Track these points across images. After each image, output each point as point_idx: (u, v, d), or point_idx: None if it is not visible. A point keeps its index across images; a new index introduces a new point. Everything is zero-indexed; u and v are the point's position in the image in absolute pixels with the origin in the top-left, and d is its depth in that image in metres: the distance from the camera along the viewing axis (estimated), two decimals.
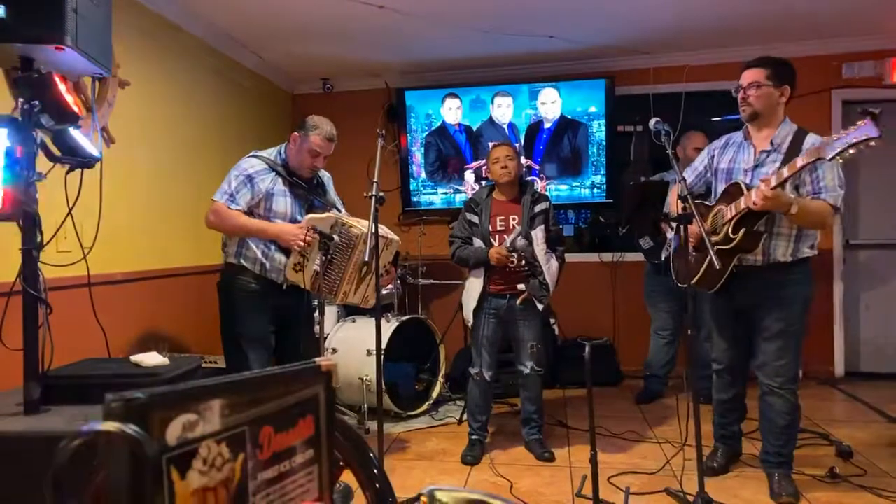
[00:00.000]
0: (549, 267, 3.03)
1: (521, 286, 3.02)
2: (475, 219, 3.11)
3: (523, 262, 3.00)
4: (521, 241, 2.93)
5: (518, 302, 3.02)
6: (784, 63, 2.51)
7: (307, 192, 2.74)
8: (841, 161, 2.14)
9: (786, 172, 2.31)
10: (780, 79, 2.49)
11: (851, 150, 2.05)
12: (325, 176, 2.94)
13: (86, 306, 2.37)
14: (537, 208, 3.08)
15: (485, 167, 3.22)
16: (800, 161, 2.28)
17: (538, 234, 3.03)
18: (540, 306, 3.01)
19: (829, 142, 2.15)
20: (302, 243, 2.50)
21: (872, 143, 1.99)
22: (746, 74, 2.53)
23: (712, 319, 2.77)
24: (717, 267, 2.11)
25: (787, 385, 2.51)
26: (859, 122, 2.01)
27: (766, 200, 2.30)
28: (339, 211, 2.83)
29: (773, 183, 2.32)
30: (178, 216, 3.70)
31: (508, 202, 3.13)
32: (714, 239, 2.49)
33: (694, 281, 2.59)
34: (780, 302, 2.48)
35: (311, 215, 2.62)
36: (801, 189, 2.44)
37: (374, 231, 2.36)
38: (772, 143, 2.51)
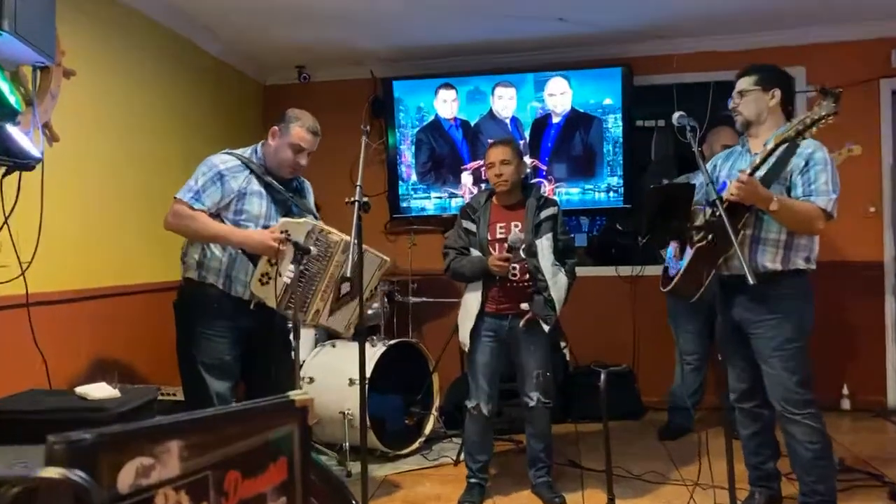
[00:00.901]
0: (557, 282, 3.03)
1: (524, 305, 3.03)
2: (472, 227, 3.11)
3: (527, 275, 3.01)
4: (514, 235, 2.93)
5: (521, 323, 3.02)
6: (770, 68, 2.75)
7: (286, 194, 2.74)
8: (836, 160, 2.30)
9: (758, 159, 2.48)
10: (768, 82, 2.68)
11: (813, 129, 2.35)
12: (306, 183, 2.95)
13: (24, 330, 2.36)
14: (543, 214, 3.08)
15: (484, 168, 3.23)
16: (771, 143, 2.46)
17: (544, 243, 3.04)
18: (546, 327, 3.01)
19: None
20: (274, 244, 2.51)
21: (831, 120, 2.33)
22: (736, 85, 2.76)
23: (718, 342, 2.80)
24: (748, 270, 2.15)
25: (800, 408, 2.55)
26: (823, 103, 2.34)
27: (741, 188, 2.43)
28: (315, 218, 2.83)
29: (748, 170, 2.46)
30: (135, 224, 3.69)
31: (510, 208, 3.14)
32: (696, 238, 2.60)
33: (671, 286, 2.70)
34: (772, 317, 2.56)
35: (285, 219, 2.63)
36: (792, 192, 2.55)
37: (356, 241, 2.36)
38: (765, 146, 2.62)
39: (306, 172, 2.86)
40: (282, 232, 2.53)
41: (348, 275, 2.26)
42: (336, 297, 2.68)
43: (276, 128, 2.70)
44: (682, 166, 4.61)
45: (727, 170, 2.78)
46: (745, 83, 2.72)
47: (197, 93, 4.48)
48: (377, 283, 2.84)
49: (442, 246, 3.23)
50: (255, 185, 2.67)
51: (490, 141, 3.23)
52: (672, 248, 2.86)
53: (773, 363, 2.56)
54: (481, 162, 4.68)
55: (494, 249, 3.04)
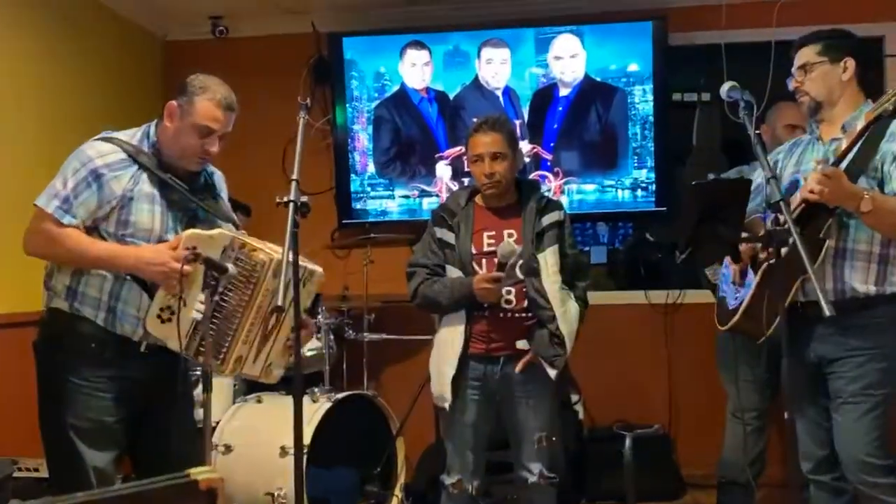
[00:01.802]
0: (566, 311, 3.03)
1: (521, 343, 3.02)
2: (449, 237, 3.11)
3: (525, 301, 3.01)
4: (506, 246, 2.93)
5: (518, 368, 3.02)
6: (839, 33, 2.78)
7: (189, 196, 2.71)
8: None
9: (845, 144, 2.51)
10: (837, 51, 2.73)
11: None
12: (217, 175, 2.92)
13: None
14: (546, 220, 3.09)
15: (467, 159, 3.23)
16: (861, 122, 2.50)
17: (549, 259, 3.04)
18: (552, 373, 3.00)
19: None
20: (176, 266, 2.47)
21: None
22: (796, 59, 2.79)
23: (786, 392, 2.81)
24: (827, 306, 2.16)
25: (875, 475, 2.57)
26: None
27: (824, 183, 2.44)
28: (234, 228, 2.80)
29: (831, 159, 2.51)
30: None
31: (501, 211, 3.14)
32: (761, 257, 2.62)
33: (732, 323, 2.74)
34: (861, 353, 2.59)
35: (191, 231, 2.59)
36: (885, 187, 2.58)
37: (290, 257, 2.33)
38: (843, 129, 2.67)
39: (218, 161, 2.83)
40: (187, 249, 2.49)
41: (280, 303, 2.23)
42: (264, 335, 2.65)
43: (174, 103, 2.66)
44: (733, 155, 4.64)
45: (793, 165, 2.81)
46: (807, 55, 2.77)
47: (70, 52, 4.42)
48: (307, 302, 2.82)
49: (406, 263, 3.22)
50: (146, 186, 2.63)
51: (475, 122, 3.21)
52: (730, 270, 2.86)
53: (848, 412, 2.58)
54: (464, 149, 4.67)
55: (481, 267, 3.03)
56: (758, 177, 2.91)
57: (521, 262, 2.99)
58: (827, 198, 2.49)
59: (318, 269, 2.79)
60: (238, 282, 2.57)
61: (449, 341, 3.05)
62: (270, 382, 2.78)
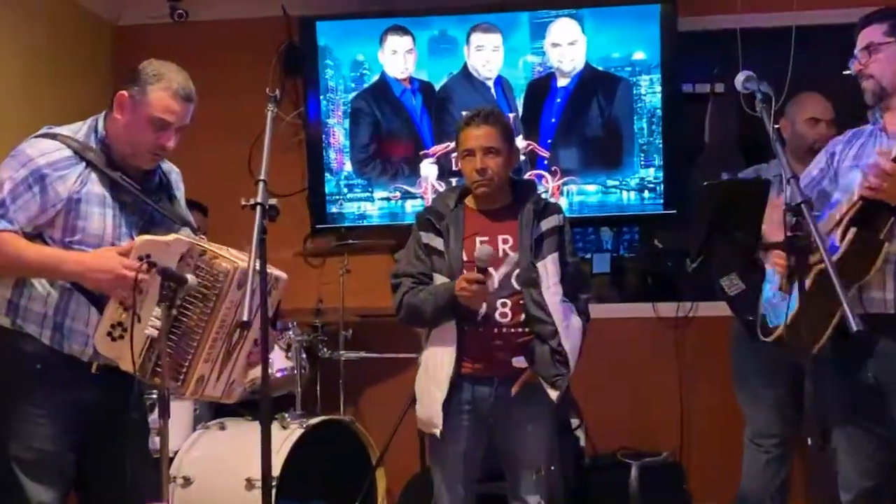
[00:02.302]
0: (569, 326, 3.04)
1: (517, 361, 3.02)
2: (437, 242, 3.11)
3: (522, 315, 3.01)
4: (481, 250, 2.93)
5: (514, 389, 3.02)
6: None
7: (143, 197, 2.70)
8: None
9: None
10: None
11: None
12: (173, 173, 2.91)
13: None
14: (545, 225, 3.10)
15: (456, 156, 3.23)
16: None
17: (549, 267, 3.05)
18: (554, 394, 3.01)
19: None
20: (128, 275, 2.46)
21: None
22: (859, 39, 2.77)
23: (831, 413, 2.81)
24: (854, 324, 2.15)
25: None
26: None
27: (884, 179, 2.45)
28: (193, 232, 2.79)
29: (893, 152, 2.48)
30: None
31: (494, 214, 3.14)
32: (812, 259, 2.60)
33: (777, 333, 2.70)
34: None
35: (144, 237, 2.58)
36: None
37: (256, 265, 2.33)
38: None
39: (176, 159, 2.83)
40: (141, 257, 2.49)
41: (245, 318, 2.22)
42: (228, 351, 2.64)
43: (124, 93, 2.65)
44: (750, 153, 4.65)
45: (852, 158, 2.80)
46: (872, 34, 2.75)
47: (9, 38, 4.40)
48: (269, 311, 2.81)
49: (390, 274, 3.22)
50: (96, 187, 2.62)
51: (466, 114, 3.22)
52: (775, 277, 2.84)
53: None
54: (451, 145, 4.69)
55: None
56: (775, 176, 2.92)
57: (517, 271, 2.99)
58: (888, 195, 2.48)
59: (283, 274, 2.79)
60: (198, 293, 2.56)
61: (438, 361, 3.05)
62: (230, 402, 2.77)
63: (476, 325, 3.01)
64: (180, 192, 2.92)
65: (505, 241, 3.08)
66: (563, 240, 3.12)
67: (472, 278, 2.90)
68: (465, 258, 3.06)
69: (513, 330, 3.03)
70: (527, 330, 3.03)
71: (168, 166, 2.88)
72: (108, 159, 2.66)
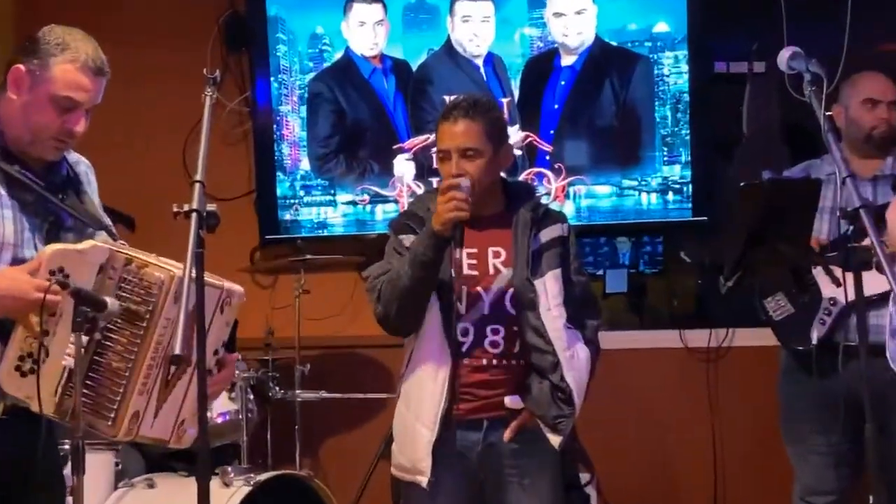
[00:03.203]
0: (573, 357, 3.04)
1: (510, 400, 3.02)
2: None
3: (517, 343, 3.01)
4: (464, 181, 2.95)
5: (507, 436, 3.02)
6: None
7: (47, 195, 2.69)
8: None
9: None
10: None
11: None
12: (81, 164, 2.90)
13: None
14: (545, 235, 3.11)
15: (434, 153, 3.23)
16: None
17: (549, 287, 3.05)
18: (556, 440, 3.01)
19: None
20: (37, 297, 2.44)
21: None
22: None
23: (873, 469, 2.82)
24: None
25: None
26: None
27: None
28: (111, 238, 2.78)
29: None
30: None
31: (483, 223, 3.13)
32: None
33: None
34: None
35: (54, 247, 2.57)
36: None
37: (192, 275, 2.32)
38: None
39: (89, 154, 2.82)
40: (53, 271, 2.48)
41: (178, 352, 2.21)
42: (165, 381, 2.63)
43: (21, 67, 2.64)
44: (798, 146, 4.67)
45: None
46: None
47: None
48: (225, 335, 2.80)
49: (365, 278, 3.20)
50: None
51: (447, 101, 3.23)
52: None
53: None
54: (431, 138, 4.69)
55: (460, 294, 3.03)
56: (827, 175, 2.93)
57: (510, 291, 2.99)
58: None
59: (238, 287, 2.78)
60: (126, 312, 2.55)
61: (426, 393, 3.04)
62: (182, 447, 2.75)
63: (464, 354, 3.01)
64: (92, 187, 2.90)
65: (496, 255, 3.08)
66: (568, 253, 3.13)
67: (453, 184, 2.94)
68: (452, 272, 3.04)
69: (505, 362, 3.04)
70: (522, 362, 3.03)
71: (75, 157, 2.86)
72: (3, 150, 2.65)
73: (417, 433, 3.04)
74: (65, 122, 2.64)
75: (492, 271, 3.08)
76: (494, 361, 3.03)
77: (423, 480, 3.00)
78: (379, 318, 3.10)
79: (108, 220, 2.87)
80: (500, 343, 3.03)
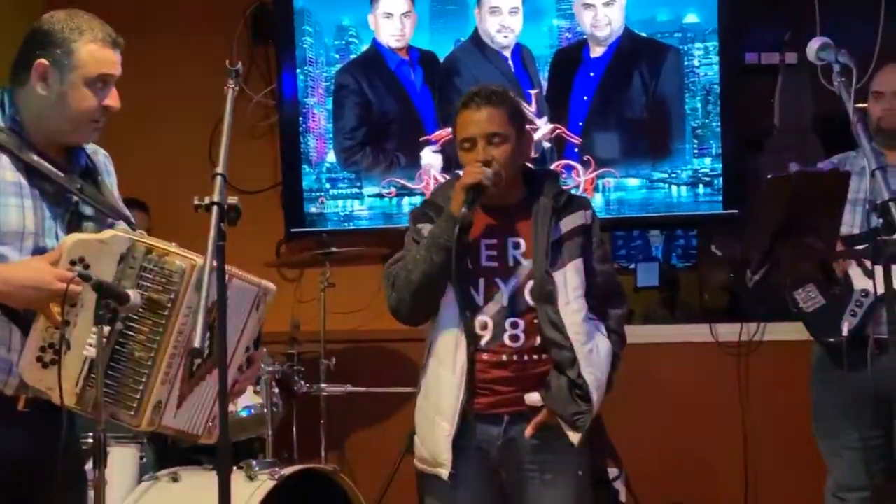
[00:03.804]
0: (592, 351, 3.04)
1: (531, 397, 3.01)
2: None
3: (537, 338, 3.01)
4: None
5: (528, 431, 3.01)
6: None
7: (67, 186, 2.69)
8: None
9: None
10: None
11: None
12: (100, 154, 2.90)
13: None
14: (566, 224, 3.10)
15: (457, 143, 3.22)
16: None
17: (569, 279, 3.04)
18: (574, 437, 3.01)
19: None
20: (59, 287, 2.45)
21: None
22: None
23: None
24: None
25: None
26: None
27: None
28: (130, 227, 2.78)
29: None
30: None
31: (504, 212, 3.14)
32: None
33: None
34: None
35: (74, 237, 2.58)
36: None
37: (212, 265, 2.32)
38: None
39: (120, 148, 2.82)
40: (73, 261, 2.50)
41: (197, 345, 2.22)
42: (189, 371, 2.64)
43: (44, 61, 2.66)
44: (831, 138, 4.64)
45: None
46: None
47: None
48: (256, 334, 2.81)
49: (384, 271, 3.18)
50: (8, 173, 2.62)
51: (465, 94, 3.21)
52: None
53: None
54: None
55: (478, 287, 3.04)
56: (859, 168, 2.92)
57: (530, 283, 2.99)
58: None
59: (271, 285, 2.81)
60: (148, 301, 2.57)
61: (444, 384, 3.03)
62: (212, 442, 2.75)
63: (483, 348, 3.02)
64: (112, 177, 2.91)
65: (516, 246, 3.07)
66: (591, 242, 3.11)
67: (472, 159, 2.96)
68: (469, 265, 3.05)
69: (525, 357, 3.03)
70: (543, 357, 3.04)
71: (93, 147, 2.87)
72: (21, 140, 2.66)
73: (437, 426, 3.04)
74: (102, 100, 2.66)
75: (511, 263, 3.07)
76: (515, 357, 3.02)
77: (444, 473, 3.01)
78: (392, 305, 3.10)
79: (126, 211, 2.88)
80: (520, 337, 3.02)
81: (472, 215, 2.94)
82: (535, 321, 3.01)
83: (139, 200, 3.30)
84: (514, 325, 3.02)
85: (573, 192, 3.30)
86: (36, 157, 2.66)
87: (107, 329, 2.46)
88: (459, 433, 3.01)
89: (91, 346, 2.44)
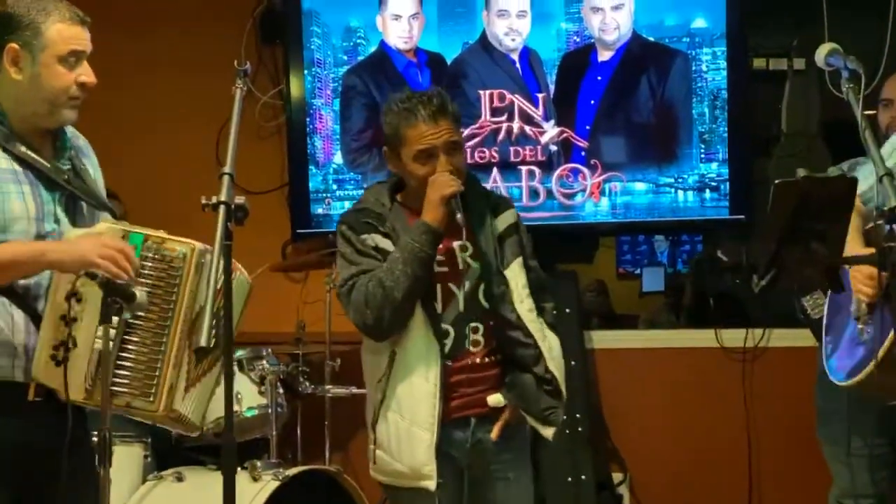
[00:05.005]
0: (551, 346, 3.06)
1: (493, 400, 3.01)
2: (387, 244, 3.04)
3: (494, 341, 3.02)
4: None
5: (494, 433, 3.02)
6: None
7: (54, 176, 2.69)
8: None
9: None
10: None
11: None
12: (80, 139, 2.91)
13: None
14: (501, 223, 3.11)
15: (400, 151, 3.17)
16: None
17: (518, 276, 3.05)
18: (548, 432, 3.03)
19: None
20: (125, 272, 2.48)
21: None
22: None
23: None
24: None
25: None
26: None
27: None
28: (113, 217, 2.80)
29: None
30: None
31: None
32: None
33: (857, 378, 2.71)
34: None
35: (75, 232, 2.59)
36: None
37: (218, 263, 2.33)
38: None
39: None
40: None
41: (203, 343, 2.23)
42: (194, 355, 2.66)
43: (14, 45, 2.66)
44: (838, 144, 4.64)
45: None
46: None
47: None
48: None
49: (338, 287, 3.13)
50: (3, 161, 2.63)
51: (402, 103, 3.04)
52: (852, 304, 2.83)
53: None
54: (464, 132, 4.67)
55: (436, 294, 3.01)
56: (867, 174, 2.91)
57: (482, 285, 3.01)
58: None
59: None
60: (155, 287, 2.59)
61: (419, 394, 3.00)
62: (204, 431, 2.76)
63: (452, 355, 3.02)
64: (92, 162, 2.90)
65: (463, 249, 3.04)
66: (522, 240, 3.11)
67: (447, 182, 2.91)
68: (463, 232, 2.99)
69: (487, 360, 3.04)
70: (498, 358, 3.05)
71: (72, 131, 2.87)
72: (6, 131, 2.67)
73: (416, 437, 2.99)
74: (77, 77, 2.67)
75: (461, 266, 3.05)
76: (478, 360, 3.02)
77: (431, 485, 2.97)
78: (369, 323, 2.97)
79: (108, 202, 2.89)
80: (481, 341, 3.03)
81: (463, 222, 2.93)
82: (493, 323, 3.02)
83: (109, 190, 3.28)
84: (475, 331, 3.02)
85: (490, 190, 3.28)
86: (23, 149, 2.67)
87: (115, 319, 2.49)
88: (441, 444, 2.99)
89: (99, 339, 2.46)
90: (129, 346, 2.56)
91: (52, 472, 2.62)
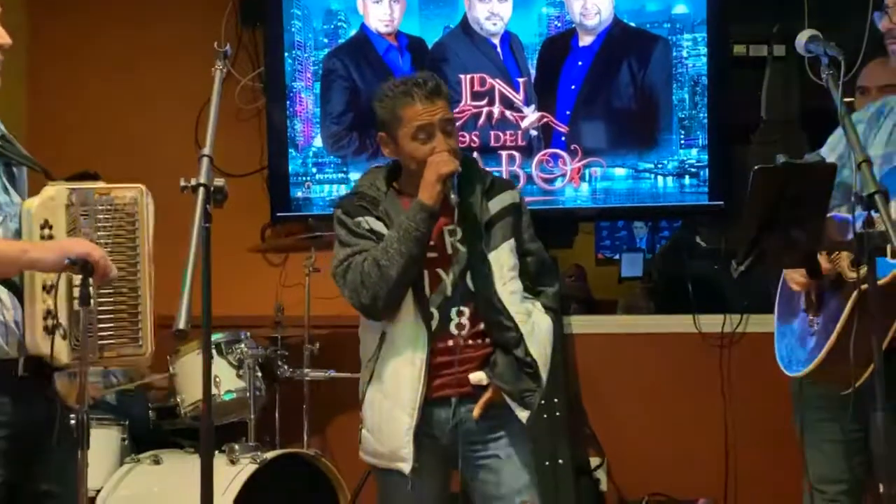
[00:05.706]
0: (535, 326, 3.06)
1: (475, 377, 3.01)
2: (381, 227, 3.06)
3: (480, 324, 3.02)
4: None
5: (475, 412, 3.01)
6: None
7: None
8: None
9: None
10: None
11: None
12: None
13: None
14: (495, 206, 3.10)
15: (394, 133, 3.17)
16: None
17: (503, 260, 3.05)
18: (523, 415, 3.02)
19: None
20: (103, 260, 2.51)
21: None
22: None
23: (877, 457, 2.82)
24: None
25: None
26: None
27: None
28: (48, 176, 2.78)
29: None
30: None
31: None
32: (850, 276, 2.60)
33: (811, 367, 2.73)
34: None
35: (32, 202, 2.59)
36: None
37: (199, 248, 2.34)
38: None
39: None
40: (42, 226, 2.54)
41: (182, 326, 2.22)
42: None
43: None
44: (817, 130, 4.63)
45: (883, 144, 2.83)
46: None
47: None
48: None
49: (333, 268, 3.15)
50: None
51: (397, 85, 3.10)
52: (799, 294, 2.85)
53: None
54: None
55: (423, 278, 3.02)
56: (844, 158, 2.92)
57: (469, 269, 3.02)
58: None
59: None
60: (118, 236, 2.64)
61: (403, 377, 3.01)
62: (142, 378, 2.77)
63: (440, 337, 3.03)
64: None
65: (452, 233, 3.05)
66: (521, 222, 3.12)
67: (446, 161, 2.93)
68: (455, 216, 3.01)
69: (471, 342, 3.05)
70: (485, 340, 3.05)
71: None
72: None
73: (396, 419, 3.02)
74: None
75: (450, 250, 3.06)
76: (462, 343, 3.03)
77: (406, 467, 2.99)
78: (365, 303, 2.99)
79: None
80: (466, 325, 3.03)
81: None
82: (476, 307, 3.02)
83: (90, 171, 3.27)
84: (460, 314, 3.03)
85: (491, 173, 3.28)
86: None
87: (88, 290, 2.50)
88: (420, 427, 3.01)
89: (75, 298, 2.50)
90: (107, 299, 2.59)
91: (43, 448, 2.65)
